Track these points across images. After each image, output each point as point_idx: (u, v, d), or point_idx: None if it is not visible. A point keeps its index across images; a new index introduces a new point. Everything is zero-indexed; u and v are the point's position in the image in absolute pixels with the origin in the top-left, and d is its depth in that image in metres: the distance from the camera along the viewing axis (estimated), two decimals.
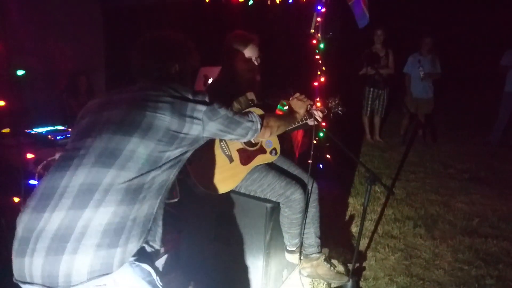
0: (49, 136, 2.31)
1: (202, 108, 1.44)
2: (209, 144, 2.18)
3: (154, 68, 1.53)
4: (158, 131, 1.33)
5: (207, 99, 1.48)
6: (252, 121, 1.65)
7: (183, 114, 1.39)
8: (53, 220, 1.18)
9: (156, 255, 1.33)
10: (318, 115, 2.39)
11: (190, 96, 1.44)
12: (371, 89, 5.95)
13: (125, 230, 1.21)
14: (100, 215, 1.18)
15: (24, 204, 1.23)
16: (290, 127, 2.30)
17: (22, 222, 1.22)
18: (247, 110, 1.92)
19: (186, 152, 1.43)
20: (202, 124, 1.43)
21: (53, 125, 2.55)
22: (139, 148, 1.29)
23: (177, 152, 1.37)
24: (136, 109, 1.37)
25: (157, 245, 1.33)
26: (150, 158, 1.30)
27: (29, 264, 1.15)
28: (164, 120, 1.35)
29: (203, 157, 2.15)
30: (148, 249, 1.29)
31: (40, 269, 1.14)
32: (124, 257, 1.19)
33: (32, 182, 1.77)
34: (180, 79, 1.57)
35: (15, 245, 1.20)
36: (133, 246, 1.22)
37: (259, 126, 1.68)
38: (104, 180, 1.22)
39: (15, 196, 1.77)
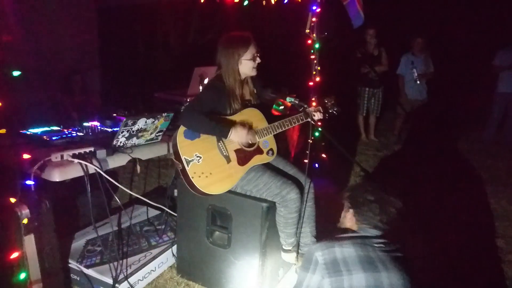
0: (45, 136, 2.31)
1: None
2: (207, 145, 2.20)
3: None
4: None
5: None
6: None
7: None
8: None
9: None
10: (318, 116, 2.41)
11: None
12: (366, 88, 5.95)
13: None
14: None
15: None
16: (286, 128, 2.32)
17: None
18: None
19: None
20: None
21: (48, 126, 2.54)
22: None
23: None
24: None
25: None
26: None
27: None
28: None
29: (201, 158, 2.16)
30: None
31: None
32: None
33: (28, 182, 1.77)
34: None
35: None
36: None
37: None
38: None
39: (11, 197, 1.77)
